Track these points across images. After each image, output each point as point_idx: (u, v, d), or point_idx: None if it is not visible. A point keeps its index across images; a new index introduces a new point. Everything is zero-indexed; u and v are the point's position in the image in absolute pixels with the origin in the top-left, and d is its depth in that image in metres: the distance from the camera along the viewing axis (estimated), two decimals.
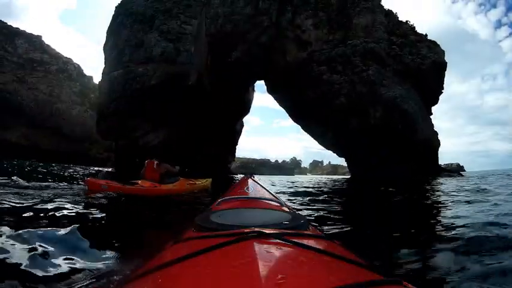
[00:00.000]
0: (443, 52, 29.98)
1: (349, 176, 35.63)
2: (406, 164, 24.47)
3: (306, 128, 31.00)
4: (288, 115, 32.16)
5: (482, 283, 2.01)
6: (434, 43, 30.17)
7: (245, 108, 34.00)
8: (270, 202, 2.15)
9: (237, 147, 37.31)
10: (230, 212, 1.67)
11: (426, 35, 30.98)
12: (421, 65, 27.43)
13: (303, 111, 27.68)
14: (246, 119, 39.20)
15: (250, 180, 3.10)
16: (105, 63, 28.02)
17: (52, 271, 1.99)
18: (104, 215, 4.17)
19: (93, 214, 4.09)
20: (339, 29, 27.57)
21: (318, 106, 25.67)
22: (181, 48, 25.53)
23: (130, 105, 24.68)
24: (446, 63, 29.44)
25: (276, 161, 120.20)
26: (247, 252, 0.83)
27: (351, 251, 1.10)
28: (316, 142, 31.69)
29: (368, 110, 24.35)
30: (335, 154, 32.18)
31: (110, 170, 27.41)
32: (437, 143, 26.74)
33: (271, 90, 30.77)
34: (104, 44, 28.85)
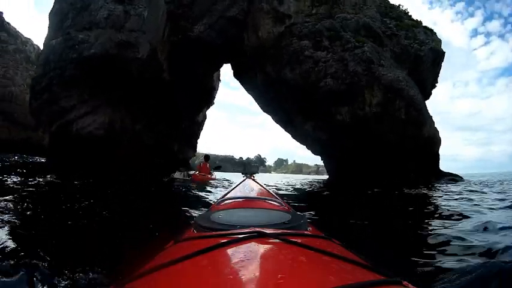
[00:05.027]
0: (440, 41, 23.02)
1: (326, 177, 30.11)
2: (403, 166, 17.07)
3: (278, 119, 23.49)
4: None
5: (483, 283, 1.82)
6: (431, 30, 23.46)
7: (208, 97, 26.22)
8: (270, 202, 1.93)
9: (198, 141, 29.82)
10: (230, 212, 1.50)
11: (421, 21, 23.68)
12: (418, 51, 20.16)
13: (275, 97, 20.04)
14: (209, 112, 31.80)
15: (250, 180, 2.95)
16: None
17: (50, 270, 1.86)
18: (104, 215, 3.87)
19: (93, 213, 3.82)
20: (324, 3, 19.96)
21: (296, 90, 18.12)
22: (132, 12, 18.36)
23: (64, 80, 17.37)
24: (444, 52, 22.24)
25: (241, 157, 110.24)
26: (247, 252, 0.76)
27: (351, 251, 0.98)
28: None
29: (363, 94, 16.79)
30: (308, 151, 25.56)
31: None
32: (439, 142, 19.24)
33: (238, 74, 23.07)
34: (50, 11, 20.88)
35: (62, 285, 1.68)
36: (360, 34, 18.82)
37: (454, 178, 19.74)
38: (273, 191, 2.71)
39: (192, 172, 13.65)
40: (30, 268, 1.79)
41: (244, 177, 3.16)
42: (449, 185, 14.37)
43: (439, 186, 13.30)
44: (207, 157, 13.63)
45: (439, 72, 23.32)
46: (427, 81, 21.81)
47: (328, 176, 27.89)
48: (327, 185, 16.63)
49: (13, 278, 1.69)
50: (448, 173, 20.68)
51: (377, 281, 0.66)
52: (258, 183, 2.91)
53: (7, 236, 2.33)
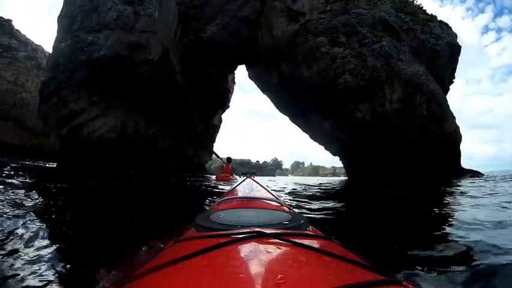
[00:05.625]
0: (456, 35, 22.00)
1: (343, 178, 28.40)
2: (423, 162, 16.15)
3: (295, 120, 22.65)
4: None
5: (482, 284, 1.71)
6: (446, 24, 22.42)
7: (223, 100, 25.29)
8: (270, 202, 1.89)
9: (214, 145, 29.51)
10: (230, 212, 1.43)
11: (436, 16, 22.65)
12: (435, 46, 19.17)
13: (291, 96, 19.19)
14: (225, 116, 31.03)
15: (250, 180, 2.91)
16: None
17: (50, 270, 1.81)
18: (104, 214, 3.75)
19: (94, 213, 3.72)
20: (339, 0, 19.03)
21: (313, 88, 17.14)
22: (142, 12, 17.53)
23: (74, 83, 16.66)
24: (461, 47, 21.18)
25: (257, 161, 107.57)
26: (247, 252, 0.75)
27: (351, 251, 0.96)
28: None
29: (383, 90, 15.77)
30: (325, 153, 24.37)
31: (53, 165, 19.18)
32: (460, 138, 18.17)
33: (252, 75, 22.11)
34: (59, 15, 20.19)
35: (64, 283, 1.65)
36: (376, 29, 17.88)
37: (476, 175, 18.68)
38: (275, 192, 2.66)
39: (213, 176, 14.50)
40: (33, 266, 1.81)
41: (244, 177, 3.10)
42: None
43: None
44: (229, 159, 14.09)
45: (456, 67, 22.24)
46: (444, 76, 20.74)
47: (346, 177, 26.90)
48: (349, 185, 15.78)
49: (19, 273, 1.71)
50: (470, 169, 19.57)
51: (377, 281, 0.65)
52: (258, 183, 2.86)
53: (13, 236, 2.36)
